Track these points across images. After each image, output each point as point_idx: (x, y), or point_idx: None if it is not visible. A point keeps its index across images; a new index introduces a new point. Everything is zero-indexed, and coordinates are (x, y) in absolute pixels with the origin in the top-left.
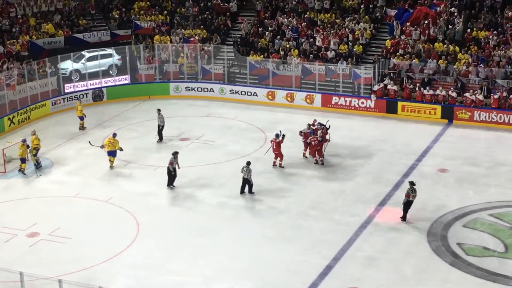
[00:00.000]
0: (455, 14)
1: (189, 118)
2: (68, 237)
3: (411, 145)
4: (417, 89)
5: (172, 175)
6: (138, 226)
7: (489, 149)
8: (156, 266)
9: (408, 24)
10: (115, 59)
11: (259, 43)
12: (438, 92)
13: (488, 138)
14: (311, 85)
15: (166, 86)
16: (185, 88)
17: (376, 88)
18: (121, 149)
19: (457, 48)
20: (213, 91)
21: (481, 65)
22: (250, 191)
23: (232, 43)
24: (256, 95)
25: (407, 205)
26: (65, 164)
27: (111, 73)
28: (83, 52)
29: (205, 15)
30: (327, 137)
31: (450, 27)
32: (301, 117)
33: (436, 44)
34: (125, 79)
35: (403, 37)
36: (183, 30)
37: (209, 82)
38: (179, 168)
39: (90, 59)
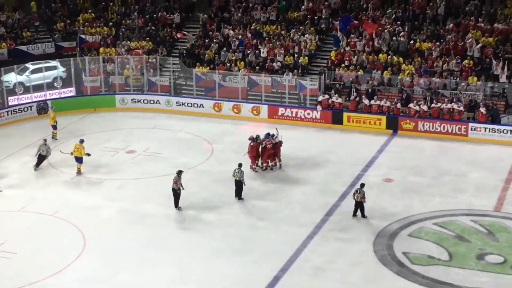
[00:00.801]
0: (399, 25)
1: (135, 131)
2: (14, 252)
3: (357, 156)
4: (362, 100)
5: (177, 195)
6: (84, 239)
7: (433, 159)
8: (103, 280)
9: (349, 26)
10: (60, 71)
11: (205, 55)
12: (383, 103)
13: (432, 148)
14: (257, 97)
15: (112, 98)
16: (131, 100)
17: (320, 98)
18: (88, 155)
19: (401, 59)
20: (159, 103)
21: (426, 71)
22: (240, 197)
23: (178, 54)
24: (203, 106)
25: (355, 205)
26: (9, 177)
27: (55, 85)
28: (27, 65)
29: (150, 27)
30: (280, 138)
31: (394, 38)
32: (248, 128)
33: (380, 55)
34: (70, 91)
35: (348, 48)
36: (128, 42)
37: (155, 94)
38: (183, 189)
39: (35, 71)
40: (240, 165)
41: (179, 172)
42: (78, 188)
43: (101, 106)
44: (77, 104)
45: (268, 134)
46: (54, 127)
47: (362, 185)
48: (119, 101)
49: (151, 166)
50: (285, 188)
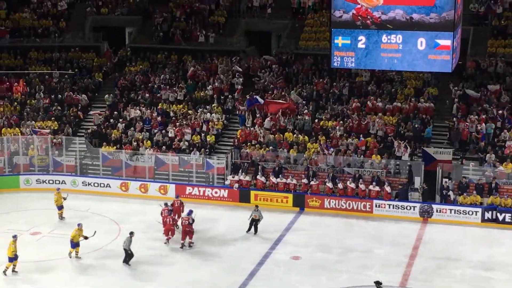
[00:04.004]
0: (304, 104)
1: (41, 211)
2: None
3: (264, 233)
4: (270, 178)
5: None
6: None
7: (340, 236)
8: None
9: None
10: None
11: (112, 135)
12: (289, 180)
13: (338, 225)
14: (164, 176)
15: (16, 179)
16: (36, 180)
17: (230, 178)
18: (86, 238)
19: (306, 137)
20: (65, 183)
21: (331, 149)
22: (256, 231)
23: (83, 134)
24: (110, 186)
25: None
26: None
27: None
28: None
29: (56, 107)
30: (193, 217)
31: (299, 117)
32: (155, 208)
33: (286, 134)
34: None
35: (254, 127)
36: (33, 122)
37: (61, 174)
38: None
39: None
40: (256, 206)
41: None
42: None
43: (4, 187)
44: None
45: (191, 211)
46: (60, 207)
47: (379, 282)
48: (24, 182)
49: (57, 248)
50: (192, 267)
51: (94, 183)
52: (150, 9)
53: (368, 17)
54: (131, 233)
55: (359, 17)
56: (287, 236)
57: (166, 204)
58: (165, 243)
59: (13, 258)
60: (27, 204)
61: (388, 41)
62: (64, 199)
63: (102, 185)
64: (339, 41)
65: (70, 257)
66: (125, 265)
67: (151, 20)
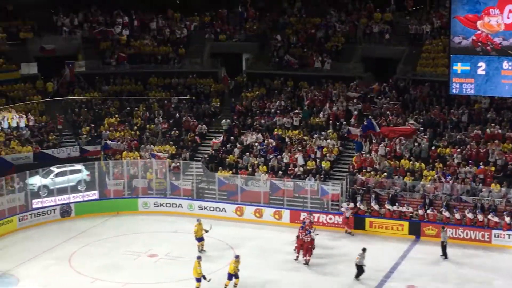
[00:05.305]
0: (421, 131)
1: (157, 234)
2: None
3: (379, 262)
4: (385, 205)
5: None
6: None
7: (457, 265)
8: None
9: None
10: (84, 174)
11: (227, 159)
12: (405, 208)
13: (455, 254)
14: (279, 201)
15: (135, 202)
16: (154, 203)
17: (345, 205)
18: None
19: (422, 165)
20: (181, 206)
21: (448, 177)
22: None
23: (200, 159)
24: (225, 211)
25: None
26: (30, 281)
27: (79, 188)
28: (51, 168)
29: (174, 131)
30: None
31: (415, 144)
32: (269, 233)
33: (402, 161)
34: (93, 194)
35: (370, 154)
36: (152, 146)
37: (177, 198)
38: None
39: (59, 174)
40: (443, 227)
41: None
42: None
43: (123, 209)
44: (100, 207)
45: (302, 227)
46: (200, 239)
47: None
48: (142, 205)
49: (173, 270)
50: None
51: (210, 207)
52: (267, 36)
53: (489, 43)
54: (364, 249)
55: (479, 43)
56: (402, 265)
57: (304, 223)
58: (304, 264)
59: (199, 279)
60: (145, 227)
61: (509, 68)
62: (206, 231)
63: (217, 209)
64: (458, 67)
65: None
66: (355, 280)
67: (267, 47)
